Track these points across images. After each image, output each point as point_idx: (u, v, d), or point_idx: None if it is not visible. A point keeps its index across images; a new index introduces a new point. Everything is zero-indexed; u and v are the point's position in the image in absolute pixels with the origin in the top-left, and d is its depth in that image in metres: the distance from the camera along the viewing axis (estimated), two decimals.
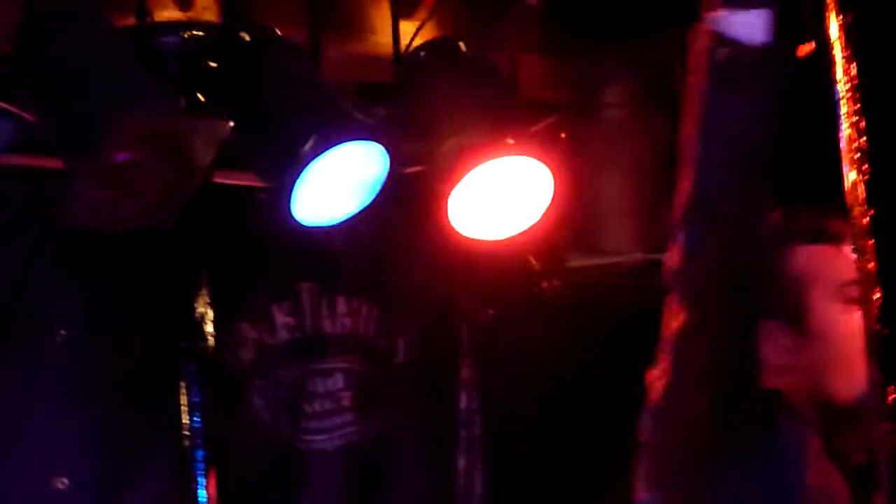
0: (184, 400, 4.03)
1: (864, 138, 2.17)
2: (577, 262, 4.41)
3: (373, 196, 3.93)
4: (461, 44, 4.20)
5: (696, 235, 2.36)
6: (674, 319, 2.38)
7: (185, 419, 4.02)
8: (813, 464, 2.47)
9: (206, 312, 4.09)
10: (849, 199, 2.17)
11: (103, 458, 4.13)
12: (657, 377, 2.41)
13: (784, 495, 2.44)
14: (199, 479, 4.00)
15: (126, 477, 4.16)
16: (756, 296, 2.41)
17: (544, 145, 4.06)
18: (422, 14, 4.36)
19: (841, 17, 2.20)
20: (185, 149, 3.75)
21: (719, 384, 2.36)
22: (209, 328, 4.09)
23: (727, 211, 2.33)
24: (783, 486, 2.44)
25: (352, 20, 4.43)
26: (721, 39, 2.31)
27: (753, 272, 2.39)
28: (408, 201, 4.22)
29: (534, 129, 4.28)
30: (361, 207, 3.94)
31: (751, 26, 2.31)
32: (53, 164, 3.96)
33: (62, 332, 4.13)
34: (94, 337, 4.15)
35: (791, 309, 2.55)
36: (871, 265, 2.14)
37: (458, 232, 4.02)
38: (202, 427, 4.01)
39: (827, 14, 2.21)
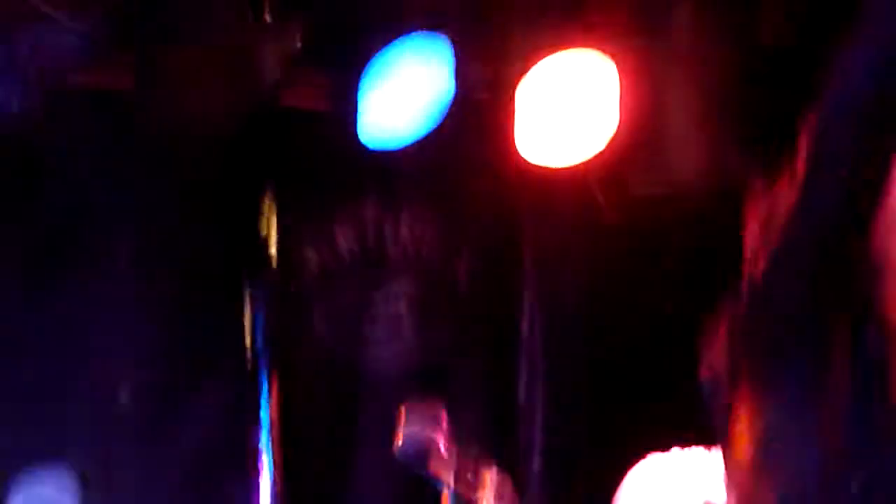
0: (247, 320, 4.05)
1: None
2: (640, 190, 4.35)
3: (439, 114, 3.92)
4: None
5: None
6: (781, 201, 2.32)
7: (248, 339, 4.04)
8: None
9: (270, 234, 4.10)
10: None
11: (166, 371, 4.16)
12: (756, 255, 2.37)
13: (863, 406, 2.41)
14: (262, 398, 4.02)
15: (188, 392, 4.19)
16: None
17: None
18: None
19: None
20: (254, 60, 3.77)
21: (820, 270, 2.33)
22: (273, 250, 4.10)
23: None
24: (863, 401, 2.41)
25: None
26: None
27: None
28: (473, 123, 4.20)
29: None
30: (428, 127, 3.93)
31: None
32: (120, 83, 3.97)
33: (128, 247, 4.15)
34: (159, 253, 4.17)
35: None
36: None
37: (524, 158, 3.99)
38: (265, 347, 4.03)
39: None
